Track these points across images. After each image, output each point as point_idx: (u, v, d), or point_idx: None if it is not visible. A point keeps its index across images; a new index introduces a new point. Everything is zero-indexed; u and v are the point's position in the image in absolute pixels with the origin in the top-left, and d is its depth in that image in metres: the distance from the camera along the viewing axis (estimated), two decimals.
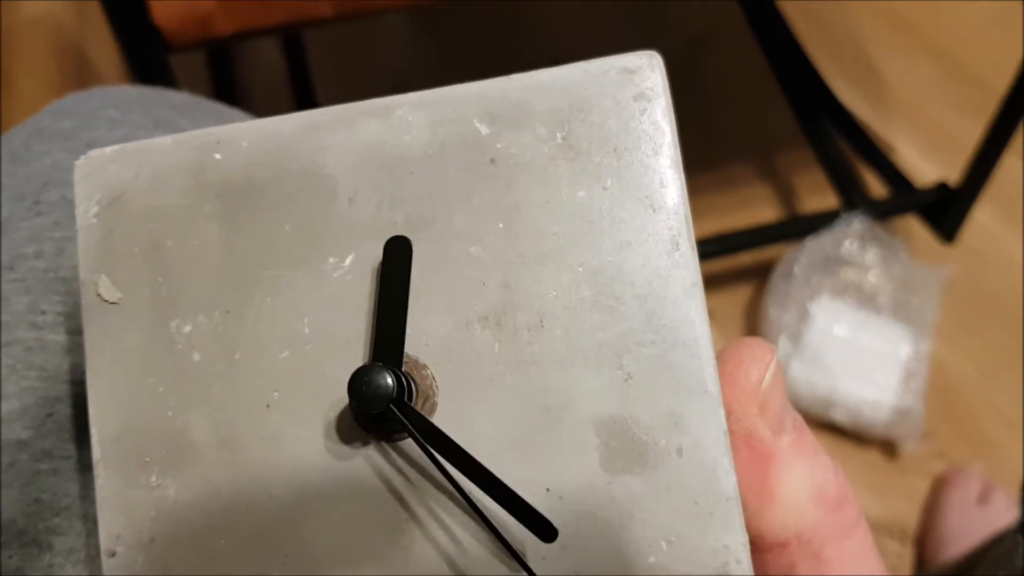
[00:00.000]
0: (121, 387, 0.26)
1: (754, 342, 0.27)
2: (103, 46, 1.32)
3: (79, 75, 1.31)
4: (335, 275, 0.26)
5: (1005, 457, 1.07)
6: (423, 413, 0.26)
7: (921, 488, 1.07)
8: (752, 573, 0.24)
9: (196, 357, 0.26)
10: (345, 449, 0.26)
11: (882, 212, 1.09)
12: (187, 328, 0.26)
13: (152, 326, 0.27)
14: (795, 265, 1.09)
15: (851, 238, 1.08)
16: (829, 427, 1.07)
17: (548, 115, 0.26)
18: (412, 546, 0.25)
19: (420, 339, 0.26)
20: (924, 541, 1.05)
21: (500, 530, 0.24)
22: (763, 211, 1.19)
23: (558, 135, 0.26)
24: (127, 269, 0.27)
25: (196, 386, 0.26)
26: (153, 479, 0.26)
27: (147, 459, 0.26)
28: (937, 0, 1.29)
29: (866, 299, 1.08)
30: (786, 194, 1.20)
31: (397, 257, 0.25)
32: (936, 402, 1.08)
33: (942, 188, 1.07)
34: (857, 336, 1.07)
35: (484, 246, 0.26)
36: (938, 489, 1.07)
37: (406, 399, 0.25)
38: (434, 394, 0.26)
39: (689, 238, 0.26)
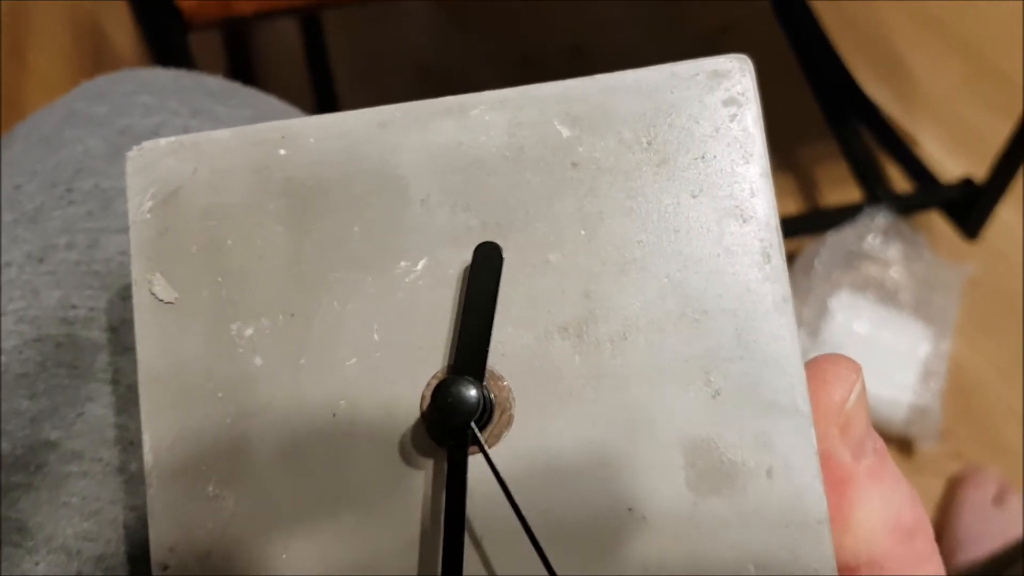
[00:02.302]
0: (176, 392, 0.25)
1: (839, 359, 0.26)
2: (119, 20, 1.30)
3: (95, 50, 1.29)
4: (406, 280, 0.25)
5: (1022, 459, 1.06)
6: (500, 427, 0.24)
7: (937, 488, 1.06)
8: None
9: (258, 362, 0.25)
10: (414, 463, 0.25)
11: (906, 207, 1.08)
12: (249, 331, 0.25)
13: (211, 328, 0.25)
14: (816, 259, 1.07)
15: (874, 233, 1.07)
16: None
17: (633, 119, 0.25)
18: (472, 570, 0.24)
19: (497, 349, 0.25)
20: (939, 541, 1.04)
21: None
22: (785, 203, 1.17)
23: (643, 140, 0.25)
24: (184, 268, 0.26)
25: (258, 392, 0.25)
26: (210, 489, 0.25)
27: (204, 468, 0.25)
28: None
29: (887, 295, 1.07)
30: (808, 186, 1.19)
31: (486, 264, 0.24)
32: (954, 402, 1.07)
33: (967, 184, 1.06)
34: (877, 333, 1.06)
35: (565, 254, 0.25)
36: (954, 489, 1.06)
37: (486, 414, 0.24)
38: (511, 407, 0.24)
39: (780, 251, 0.25)
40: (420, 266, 0.25)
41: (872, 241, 1.07)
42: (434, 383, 0.25)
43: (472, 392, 0.23)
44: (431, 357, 0.25)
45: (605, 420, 0.24)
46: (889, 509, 0.25)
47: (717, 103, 0.25)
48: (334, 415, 0.25)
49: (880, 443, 0.26)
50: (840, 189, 1.17)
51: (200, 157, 0.26)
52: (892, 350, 1.06)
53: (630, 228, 0.25)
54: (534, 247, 0.25)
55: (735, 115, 0.25)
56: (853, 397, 0.25)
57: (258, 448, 0.25)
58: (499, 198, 0.25)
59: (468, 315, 0.24)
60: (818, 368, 0.25)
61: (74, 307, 0.33)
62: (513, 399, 0.25)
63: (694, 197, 0.25)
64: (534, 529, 0.23)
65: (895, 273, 1.08)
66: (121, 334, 0.32)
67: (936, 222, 1.13)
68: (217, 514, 0.25)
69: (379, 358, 0.25)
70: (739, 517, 0.24)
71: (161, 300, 0.26)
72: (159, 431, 0.25)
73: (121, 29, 1.31)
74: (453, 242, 0.25)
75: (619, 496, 0.24)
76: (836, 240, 1.07)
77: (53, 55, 1.29)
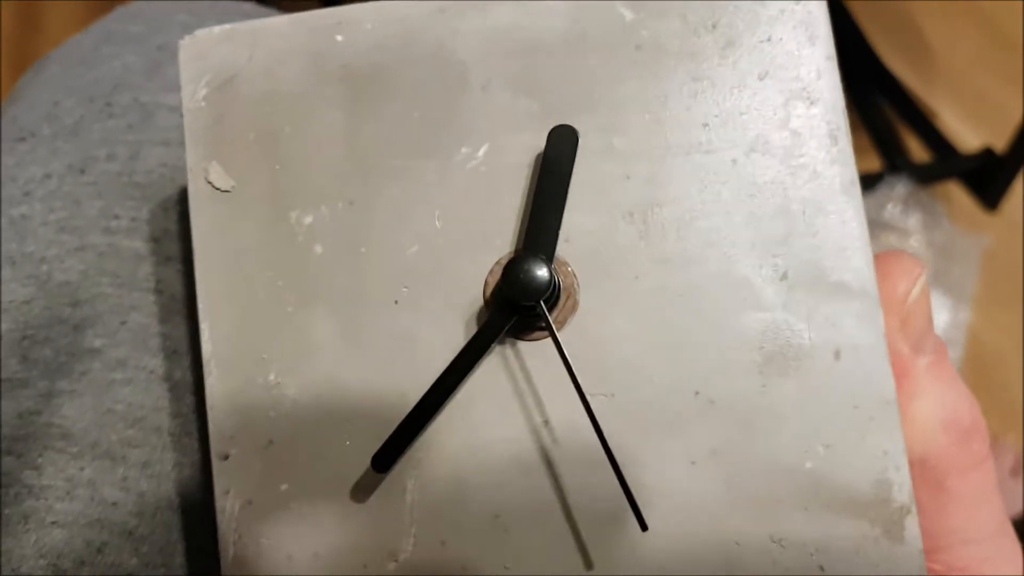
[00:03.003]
0: (235, 280, 0.25)
1: (902, 255, 0.25)
2: None
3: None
4: (468, 166, 0.25)
5: None
6: (566, 312, 0.24)
7: None
8: (910, 480, 0.23)
9: (318, 250, 0.25)
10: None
11: (926, 177, 1.07)
12: (308, 219, 0.25)
13: (270, 217, 0.25)
14: None
15: (894, 202, 1.06)
16: None
17: (698, 4, 0.25)
18: (536, 457, 0.24)
19: (561, 236, 0.24)
20: None
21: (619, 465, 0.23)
22: None
23: (708, 22, 0.25)
24: (241, 156, 0.25)
25: (318, 280, 0.25)
26: (272, 377, 0.25)
27: (264, 356, 0.25)
28: None
29: None
30: None
31: (562, 146, 0.24)
32: (970, 373, 1.06)
33: (988, 154, 1.05)
34: None
35: (628, 138, 0.24)
36: None
37: (554, 295, 0.23)
38: (575, 292, 0.24)
39: (847, 133, 0.24)
40: (481, 152, 0.25)
41: (892, 210, 1.07)
42: (497, 269, 0.24)
43: (543, 271, 0.23)
44: (493, 243, 0.25)
45: (670, 304, 0.24)
46: (946, 408, 0.25)
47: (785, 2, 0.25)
48: (396, 302, 0.25)
49: (941, 343, 0.26)
50: (861, 158, 1.15)
51: (256, 44, 0.26)
52: None
53: (695, 111, 0.24)
54: (597, 132, 0.24)
55: (805, 12, 0.25)
56: (916, 290, 0.25)
57: (320, 336, 0.25)
58: (561, 83, 0.25)
59: (540, 196, 0.24)
60: (882, 261, 0.25)
61: (116, 217, 0.32)
62: (578, 285, 0.24)
63: (760, 80, 0.24)
64: (598, 414, 0.23)
65: (914, 242, 1.07)
66: (163, 244, 0.32)
67: (955, 193, 1.12)
68: (279, 402, 0.25)
69: (441, 245, 0.25)
70: (808, 399, 0.23)
71: (217, 188, 0.25)
72: (218, 320, 0.25)
73: None
74: (514, 127, 0.25)
75: (685, 380, 0.24)
76: None
77: (66, 18, 1.29)
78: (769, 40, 0.24)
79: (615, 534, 0.23)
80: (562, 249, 0.24)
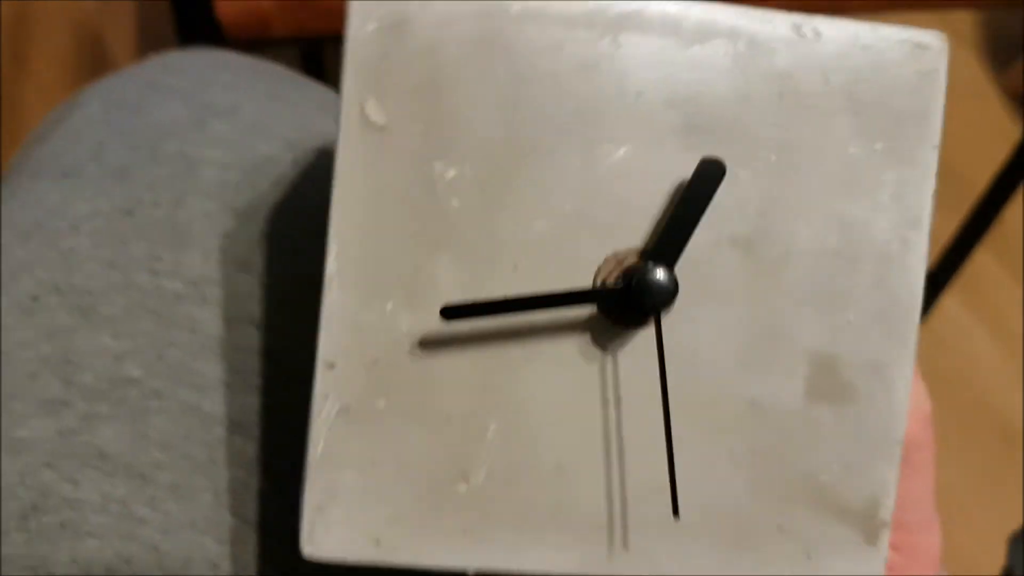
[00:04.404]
0: (371, 212, 0.27)
1: None
2: (120, 29, 1.31)
3: (94, 57, 1.29)
4: (607, 161, 0.27)
5: None
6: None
7: None
8: (894, 503, 0.28)
9: (455, 203, 0.27)
10: (579, 323, 0.27)
11: None
12: (451, 173, 0.27)
13: (416, 162, 0.27)
14: None
15: None
16: None
17: (841, 66, 0.27)
18: (603, 431, 0.28)
19: None
20: None
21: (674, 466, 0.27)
22: None
23: (847, 88, 0.27)
24: (399, 98, 0.27)
25: (449, 231, 0.27)
26: (389, 306, 0.27)
27: (385, 287, 0.27)
28: None
29: None
30: None
31: (708, 177, 0.26)
32: None
33: None
34: None
35: (752, 172, 0.27)
36: None
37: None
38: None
39: (930, 216, 0.28)
40: (621, 152, 0.27)
41: None
42: (612, 261, 0.27)
43: (670, 281, 0.26)
44: (613, 236, 0.27)
45: (751, 324, 0.28)
46: (914, 399, 0.30)
47: (914, 72, 0.28)
48: (515, 267, 0.27)
49: None
50: None
51: None
52: None
53: (815, 163, 0.27)
54: (728, 160, 0.27)
55: (927, 87, 0.28)
56: None
57: (441, 281, 0.27)
58: (706, 105, 0.27)
59: (681, 209, 0.26)
60: None
61: (159, 259, 0.35)
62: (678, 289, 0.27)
63: (876, 151, 0.27)
64: (671, 400, 0.26)
65: None
66: (201, 287, 0.34)
67: None
68: (391, 329, 0.27)
69: (566, 226, 0.27)
70: (841, 426, 0.28)
71: (372, 122, 0.27)
72: (347, 243, 0.27)
73: (121, 37, 1.31)
74: (656, 138, 0.27)
75: (747, 388, 0.28)
76: None
77: (52, 60, 1.29)
78: (895, 118, 0.28)
79: (649, 513, 0.28)
80: None
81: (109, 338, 0.34)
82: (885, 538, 0.28)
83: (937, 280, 1.09)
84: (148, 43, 1.34)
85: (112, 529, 0.32)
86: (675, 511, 0.26)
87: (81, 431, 0.32)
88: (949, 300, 1.17)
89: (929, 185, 0.28)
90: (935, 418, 0.31)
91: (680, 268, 0.27)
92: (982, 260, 1.18)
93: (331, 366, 0.27)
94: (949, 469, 1.12)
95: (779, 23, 0.27)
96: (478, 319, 0.27)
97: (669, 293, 0.26)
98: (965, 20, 1.43)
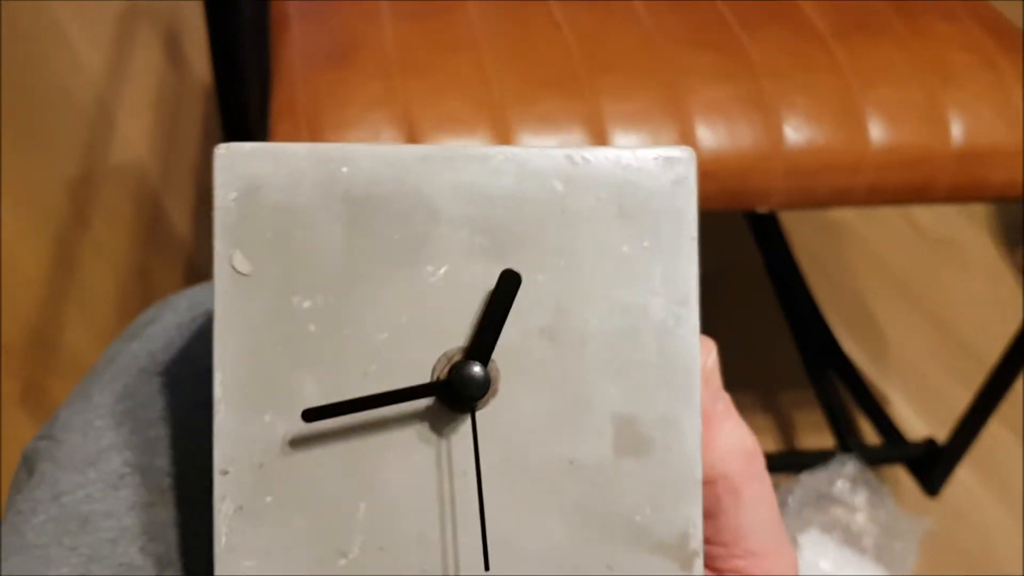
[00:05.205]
0: (246, 342, 0.33)
1: (704, 339, 0.35)
2: (179, 199, 1.44)
3: (153, 224, 1.42)
4: (430, 280, 0.34)
5: None
6: (489, 395, 0.33)
7: None
8: (701, 534, 0.32)
9: (312, 328, 0.33)
10: (422, 412, 0.33)
11: (874, 458, 1.16)
12: (307, 303, 0.34)
13: (277, 297, 0.33)
14: (789, 496, 1.14)
15: (843, 479, 1.14)
16: None
17: (608, 183, 0.34)
18: (451, 501, 0.33)
19: None
20: None
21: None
22: (764, 441, 1.25)
23: (615, 199, 0.34)
24: (259, 249, 0.33)
25: (309, 350, 0.33)
26: (267, 418, 0.33)
27: (262, 402, 0.33)
28: (941, 277, 1.41)
29: (852, 538, 1.13)
30: (785, 428, 1.27)
31: (508, 286, 0.32)
32: None
33: (930, 444, 1.14)
34: (841, 572, 1.11)
35: (548, 275, 0.34)
36: None
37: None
38: (496, 380, 0.33)
39: (696, 294, 0.34)
40: (442, 272, 0.34)
41: (841, 486, 1.14)
42: (443, 359, 0.33)
43: (483, 374, 0.32)
44: (443, 340, 0.33)
45: (562, 397, 0.33)
46: (736, 437, 0.35)
47: (668, 181, 0.34)
48: (366, 374, 0.33)
49: (727, 397, 0.36)
50: (815, 434, 1.25)
51: (278, 162, 0.34)
52: None
53: (597, 263, 0.34)
54: (526, 268, 0.33)
55: (679, 191, 0.34)
56: (711, 361, 0.36)
57: (307, 392, 0.33)
58: (505, 227, 0.34)
59: (488, 316, 0.33)
60: None
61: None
62: (500, 376, 0.33)
63: (644, 248, 0.34)
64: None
65: (861, 518, 1.14)
66: None
67: (900, 475, 1.20)
68: (271, 436, 0.33)
69: (404, 336, 0.33)
70: (646, 474, 0.33)
71: (239, 272, 0.33)
72: (229, 371, 0.33)
73: (180, 206, 1.44)
74: (468, 257, 0.34)
75: (564, 450, 0.33)
76: (809, 481, 1.15)
77: (114, 225, 1.42)
78: (654, 219, 0.34)
79: (494, 567, 0.32)
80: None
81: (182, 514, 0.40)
82: (699, 565, 0.32)
83: (951, 452, 1.10)
84: (205, 205, 1.44)
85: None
86: (486, 566, 0.31)
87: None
88: (963, 472, 1.19)
89: (692, 269, 0.34)
90: None
91: (500, 357, 0.33)
92: (995, 432, 1.21)
93: (225, 472, 0.32)
94: None
95: (556, 155, 0.34)
96: (339, 419, 0.32)
97: (481, 383, 0.32)
98: (979, 204, 1.53)
